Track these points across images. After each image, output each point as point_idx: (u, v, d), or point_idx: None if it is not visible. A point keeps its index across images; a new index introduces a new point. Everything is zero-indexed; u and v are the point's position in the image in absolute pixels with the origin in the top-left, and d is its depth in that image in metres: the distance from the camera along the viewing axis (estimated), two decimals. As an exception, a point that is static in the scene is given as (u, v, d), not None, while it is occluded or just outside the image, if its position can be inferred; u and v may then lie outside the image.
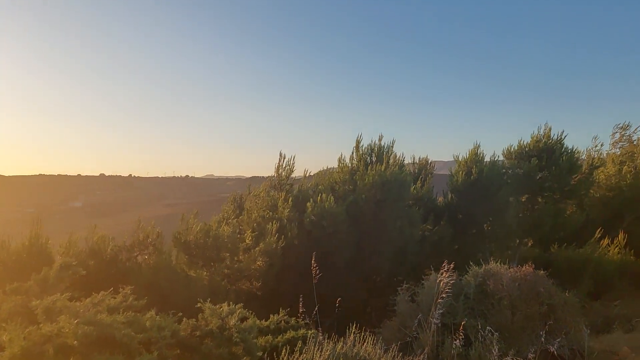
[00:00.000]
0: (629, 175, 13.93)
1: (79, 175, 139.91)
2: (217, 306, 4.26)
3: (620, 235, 13.14)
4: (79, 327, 3.10)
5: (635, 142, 16.57)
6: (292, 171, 11.86)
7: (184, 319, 4.24)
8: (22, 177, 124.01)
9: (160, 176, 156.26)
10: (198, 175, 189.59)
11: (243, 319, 4.42)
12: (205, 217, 10.85)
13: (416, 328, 5.87)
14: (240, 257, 9.68)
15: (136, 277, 7.85)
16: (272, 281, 10.11)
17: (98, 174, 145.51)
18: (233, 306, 4.22)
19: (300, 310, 5.10)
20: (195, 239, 8.86)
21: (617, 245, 12.98)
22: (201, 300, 4.32)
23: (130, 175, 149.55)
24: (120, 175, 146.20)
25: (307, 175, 12.35)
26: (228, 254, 9.43)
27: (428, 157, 15.32)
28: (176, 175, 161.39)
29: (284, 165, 11.72)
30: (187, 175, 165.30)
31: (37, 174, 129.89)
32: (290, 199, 10.83)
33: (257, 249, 9.64)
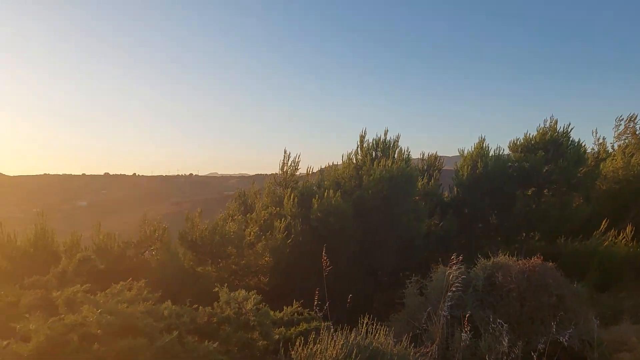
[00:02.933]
0: (637, 167, 13.89)
1: (83, 174, 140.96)
2: (233, 293, 4.33)
3: (628, 228, 13.10)
4: (102, 316, 3.17)
5: (638, 134, 16.51)
6: (297, 169, 11.96)
7: (200, 308, 4.30)
8: (27, 177, 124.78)
9: (164, 175, 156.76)
10: (202, 173, 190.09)
11: (258, 305, 4.47)
12: (210, 214, 10.91)
13: (425, 320, 5.89)
14: (247, 253, 9.74)
15: (145, 273, 7.88)
16: (279, 277, 10.14)
17: (102, 173, 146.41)
18: (247, 293, 4.29)
19: (315, 303, 5.14)
20: (201, 236, 8.93)
21: (624, 238, 12.95)
22: (218, 285, 4.38)
23: (135, 174, 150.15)
24: (124, 174, 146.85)
25: (311, 171, 12.41)
26: (235, 251, 9.50)
27: (437, 153, 15.37)
28: (180, 174, 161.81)
29: (289, 163, 11.80)
30: (191, 174, 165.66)
31: (42, 173, 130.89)
32: (294, 196, 10.87)
33: (261, 244, 9.70)
